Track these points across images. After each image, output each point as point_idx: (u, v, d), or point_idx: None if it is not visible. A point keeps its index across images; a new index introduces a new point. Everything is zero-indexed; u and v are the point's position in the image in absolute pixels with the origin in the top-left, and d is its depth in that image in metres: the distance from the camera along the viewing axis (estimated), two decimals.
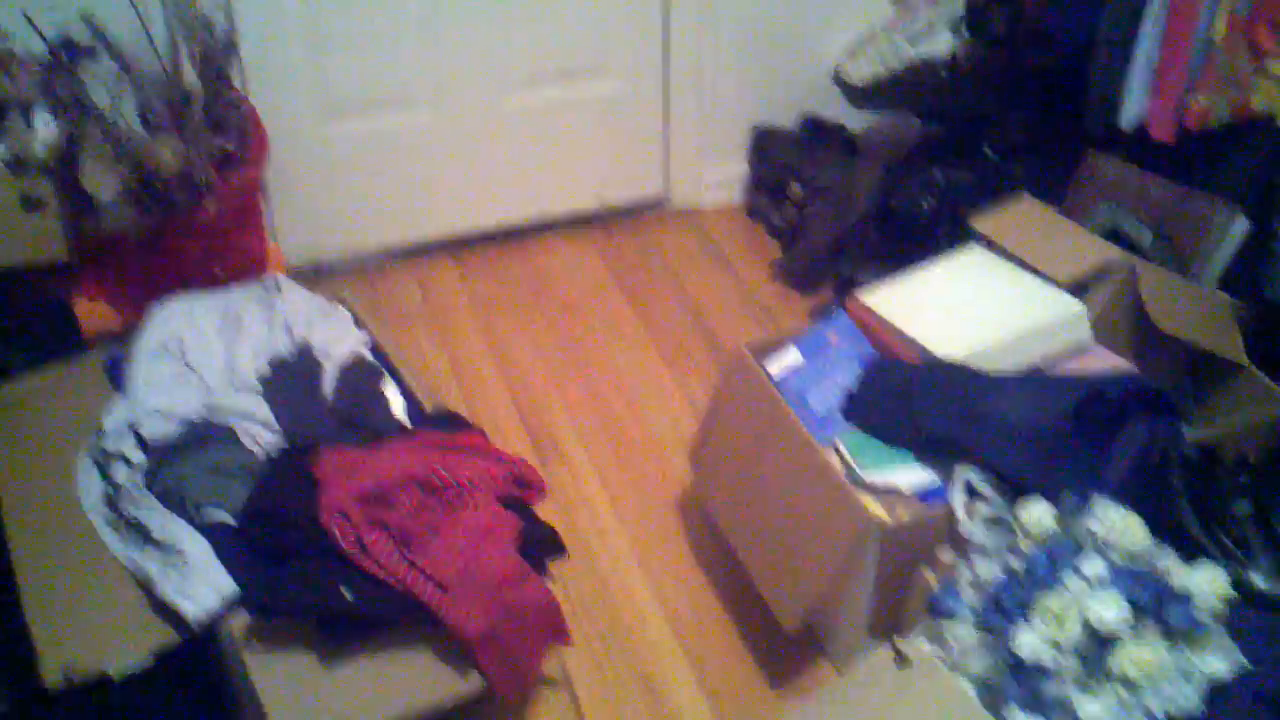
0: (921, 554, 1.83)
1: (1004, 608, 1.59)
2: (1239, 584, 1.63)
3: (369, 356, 2.16)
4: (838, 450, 1.98)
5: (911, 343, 2.02)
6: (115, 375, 2.12)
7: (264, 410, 1.96)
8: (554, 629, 1.84)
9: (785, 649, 2.07)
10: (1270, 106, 2.15)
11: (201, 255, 2.39)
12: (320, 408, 2.00)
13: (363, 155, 2.99)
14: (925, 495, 1.88)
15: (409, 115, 3.00)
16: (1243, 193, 2.26)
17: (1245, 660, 1.51)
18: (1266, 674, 1.54)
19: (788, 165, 3.20)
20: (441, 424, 2.03)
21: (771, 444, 2.01)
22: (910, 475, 1.90)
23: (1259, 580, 1.72)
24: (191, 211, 2.31)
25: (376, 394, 2.06)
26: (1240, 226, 2.25)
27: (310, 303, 2.24)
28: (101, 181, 2.22)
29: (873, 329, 2.11)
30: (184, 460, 1.86)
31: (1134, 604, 1.52)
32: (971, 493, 1.82)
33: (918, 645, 1.63)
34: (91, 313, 2.35)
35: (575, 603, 2.16)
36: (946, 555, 1.82)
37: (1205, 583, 1.55)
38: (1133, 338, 2.11)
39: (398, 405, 2.07)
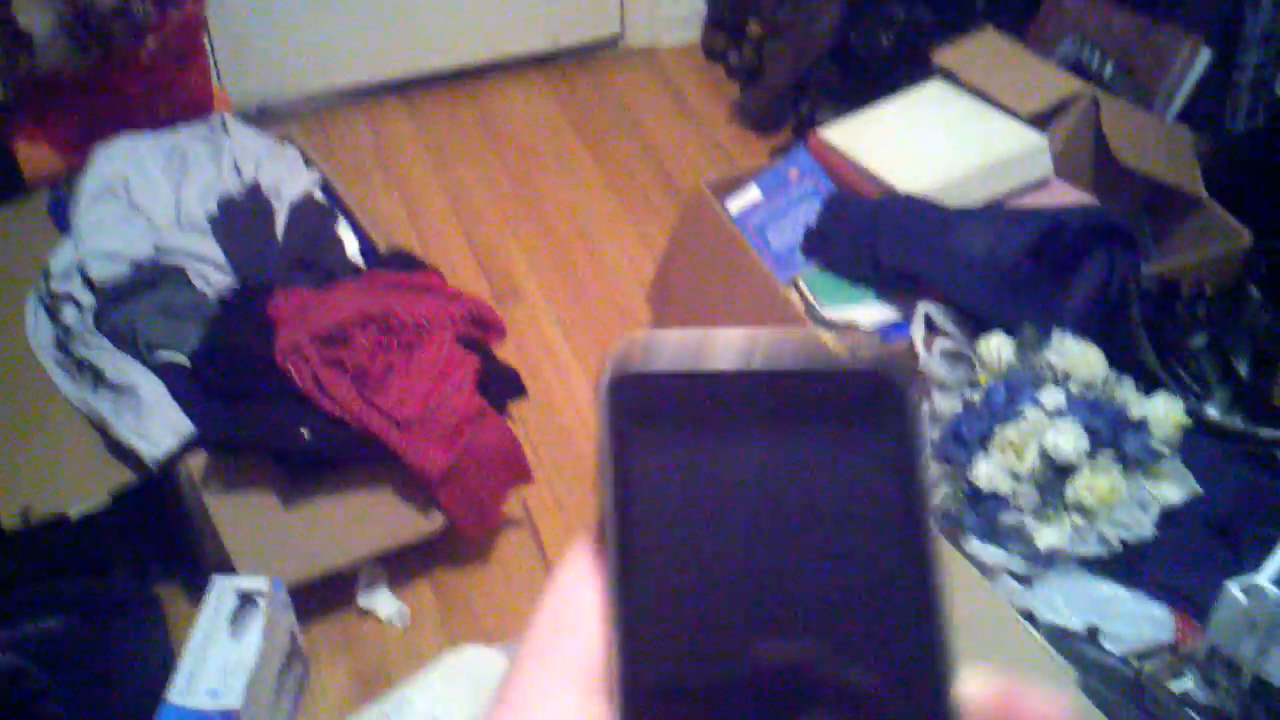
0: None
1: (963, 439, 1.60)
2: (1194, 415, 1.65)
3: (321, 196, 2.11)
4: (798, 287, 1.97)
5: (873, 177, 2.00)
6: (59, 217, 2.07)
7: (214, 250, 1.92)
8: (515, 468, 1.85)
9: None
10: None
11: (143, 95, 2.32)
12: (272, 248, 1.96)
13: None
14: (885, 331, 1.88)
15: None
16: (1206, 24, 2.23)
17: (1198, 487, 1.53)
18: (1217, 501, 1.57)
19: (746, 3, 3.13)
20: (397, 264, 2.01)
21: (731, 282, 1.99)
22: (870, 311, 1.90)
23: (1213, 411, 1.74)
24: (131, 49, 2.23)
25: (329, 234, 2.02)
26: (1202, 58, 2.23)
27: (258, 142, 2.18)
28: (36, 17, 2.13)
29: (834, 165, 2.08)
30: (134, 301, 1.82)
31: (1091, 434, 1.53)
32: (931, 327, 1.82)
33: None
34: (32, 155, 2.28)
35: (536, 442, 2.17)
36: None
37: (1161, 412, 1.57)
38: (1094, 171, 2.10)
39: (351, 246, 2.04)
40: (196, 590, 1.66)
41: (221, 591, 1.58)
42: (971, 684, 0.31)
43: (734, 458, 0.33)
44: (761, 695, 0.31)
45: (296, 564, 1.69)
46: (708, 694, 0.31)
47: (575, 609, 0.32)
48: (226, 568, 1.65)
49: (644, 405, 0.33)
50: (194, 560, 1.78)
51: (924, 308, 1.82)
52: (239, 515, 1.68)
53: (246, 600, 1.58)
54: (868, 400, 0.33)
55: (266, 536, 1.68)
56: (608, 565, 0.32)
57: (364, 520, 1.73)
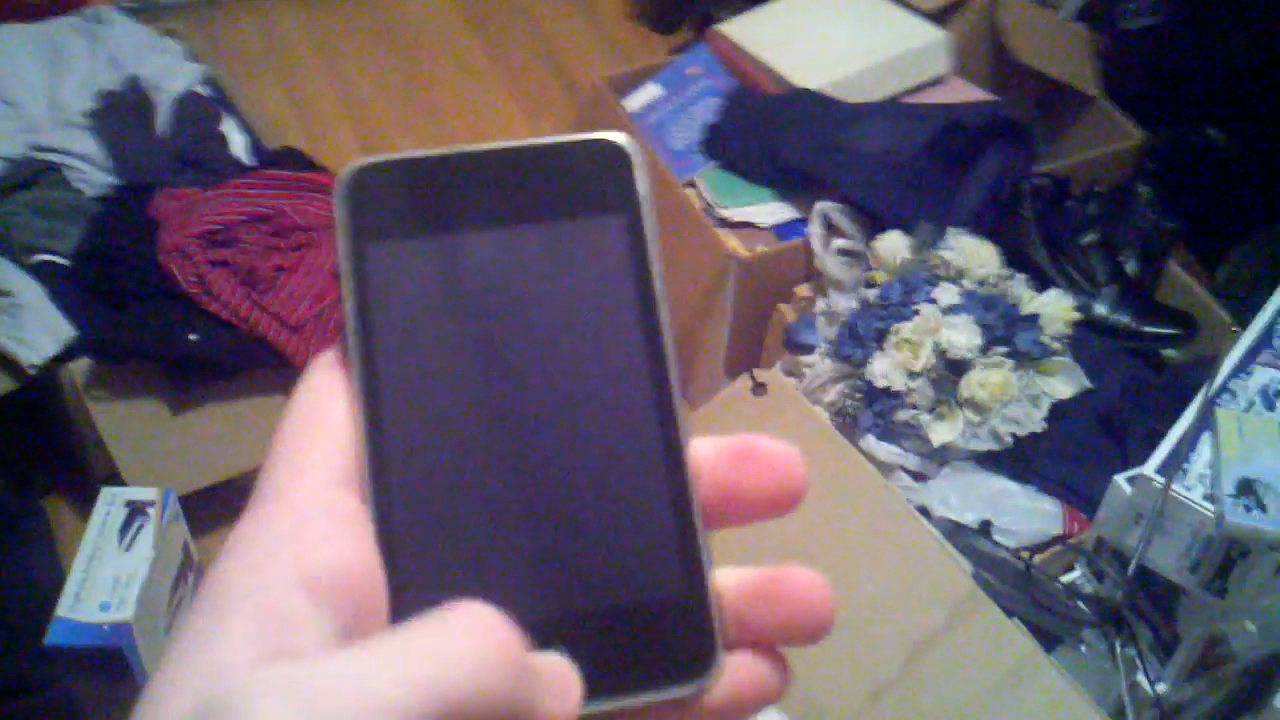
0: (778, 289, 1.84)
1: (858, 336, 1.61)
2: (1083, 311, 1.67)
3: (205, 92, 2.04)
4: (696, 186, 1.95)
5: (772, 73, 1.98)
6: None
7: (93, 147, 1.85)
8: None
9: None
10: None
11: None
12: (154, 145, 1.89)
13: None
14: (784, 230, 1.87)
15: None
16: None
17: (1088, 382, 1.56)
18: (1105, 396, 1.60)
19: None
20: (286, 163, 1.95)
21: None
22: (768, 211, 1.89)
23: (1102, 308, 1.76)
24: None
25: (214, 131, 1.96)
26: None
27: (139, 36, 2.10)
28: None
29: (733, 61, 2.06)
30: (8, 201, 1.75)
31: (984, 330, 1.55)
32: (829, 227, 1.82)
33: (776, 375, 1.65)
34: None
35: None
36: (803, 290, 1.83)
37: (1052, 309, 1.59)
38: (991, 69, 2.10)
39: (238, 143, 1.98)
40: (84, 502, 1.61)
41: (110, 503, 1.54)
42: (731, 572, 0.32)
43: (471, 242, 0.33)
44: (507, 504, 0.32)
45: (188, 473, 1.66)
46: (456, 495, 0.31)
47: (323, 412, 0.32)
48: (114, 478, 1.61)
49: (381, 198, 0.33)
50: (80, 471, 1.74)
51: (821, 206, 1.81)
52: (126, 423, 1.64)
53: (136, 511, 1.54)
54: (597, 168, 0.33)
55: (155, 445, 1.65)
56: (353, 366, 0.32)
57: (256, 427, 1.69)
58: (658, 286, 0.33)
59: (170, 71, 2.02)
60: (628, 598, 0.32)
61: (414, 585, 0.31)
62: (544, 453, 0.32)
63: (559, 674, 0.30)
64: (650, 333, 0.33)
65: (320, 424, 0.32)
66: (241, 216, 1.72)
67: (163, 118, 1.94)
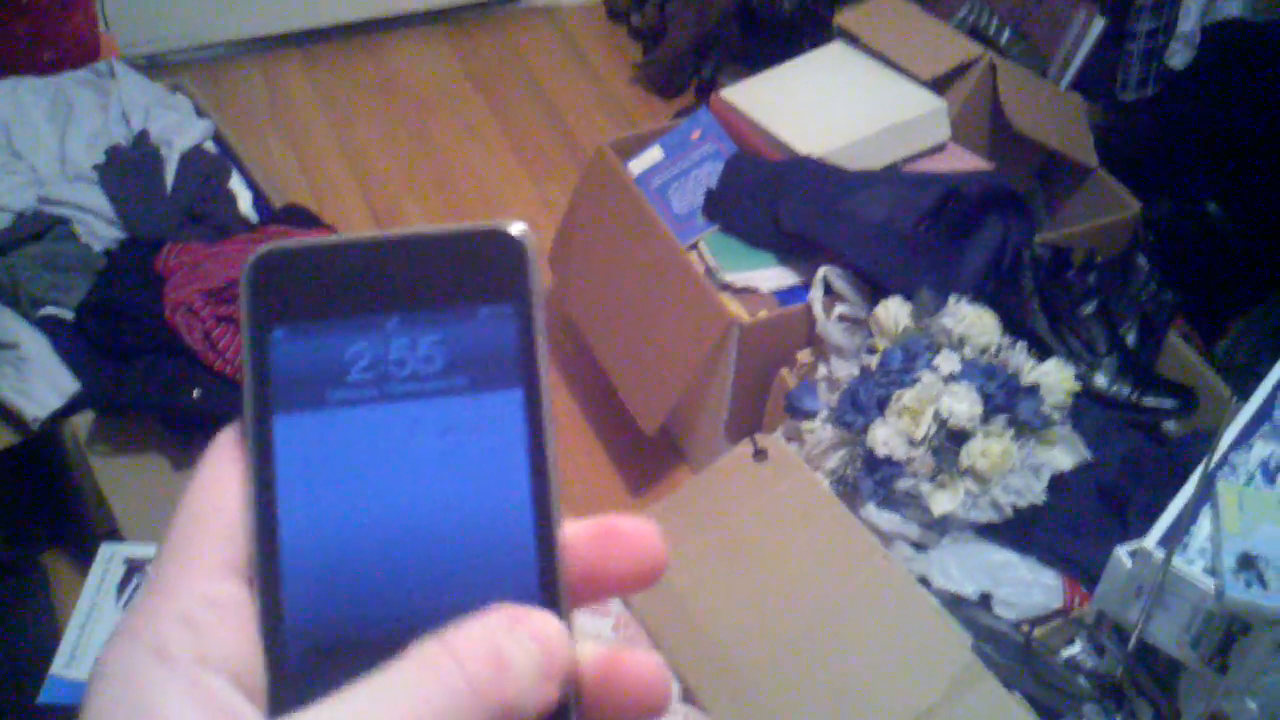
0: (780, 354, 1.85)
1: (859, 404, 1.61)
2: (1083, 381, 1.68)
3: (213, 148, 2.05)
4: (698, 250, 1.97)
5: (774, 139, 2.00)
6: None
7: (101, 201, 1.86)
8: None
9: (644, 455, 2.08)
10: None
11: (27, 39, 2.23)
12: (161, 199, 1.90)
13: None
14: (785, 296, 1.89)
15: None
16: None
17: (1088, 454, 1.56)
18: (1105, 467, 1.61)
19: None
20: (291, 220, 1.96)
21: (632, 244, 1.98)
22: (770, 275, 1.90)
23: (1102, 379, 1.77)
24: None
25: (221, 187, 1.97)
26: (1096, 26, 2.26)
27: (148, 91, 2.11)
28: None
29: (735, 126, 2.08)
30: (16, 254, 1.76)
31: (985, 399, 1.55)
32: (830, 292, 1.83)
33: (777, 441, 1.66)
34: None
35: None
36: (805, 355, 1.84)
37: (1053, 379, 1.59)
38: (990, 136, 2.12)
39: (244, 200, 1.99)
40: (83, 558, 1.61)
41: (108, 559, 1.54)
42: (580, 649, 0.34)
43: (366, 328, 0.34)
44: (389, 587, 0.33)
45: None
46: (339, 589, 0.32)
47: (216, 496, 0.32)
48: (114, 534, 1.61)
49: (283, 283, 0.34)
50: (80, 527, 1.73)
51: (823, 272, 1.82)
52: (127, 479, 1.64)
53: (135, 568, 1.54)
54: (489, 256, 0.35)
55: (156, 500, 1.64)
56: (247, 450, 0.33)
57: None
58: (542, 377, 0.34)
59: (179, 127, 2.04)
60: None
61: (292, 677, 0.31)
62: (425, 548, 0.33)
63: (545, 652, 0.31)
64: (533, 427, 0.34)
65: (211, 510, 0.32)
66: None
67: (171, 173, 1.95)
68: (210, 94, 2.64)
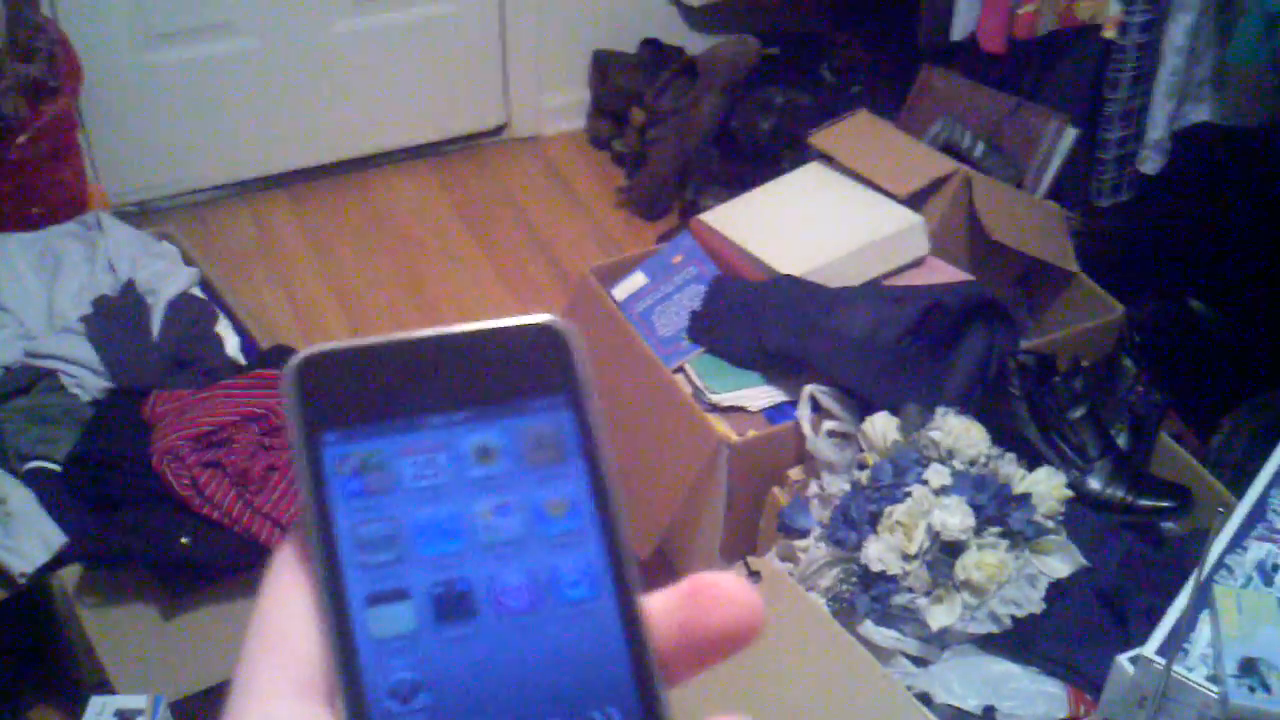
0: (771, 472, 1.84)
1: (852, 520, 1.61)
2: (1075, 487, 1.67)
3: (199, 294, 2.07)
4: (685, 372, 1.97)
5: (754, 260, 2.02)
6: None
7: (87, 352, 1.87)
8: None
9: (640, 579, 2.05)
10: (1094, 13, 2.19)
11: (15, 194, 2.27)
12: (148, 348, 1.91)
13: (186, 86, 2.86)
14: (773, 414, 1.89)
15: (233, 42, 2.87)
16: (1070, 104, 2.31)
17: (1084, 560, 1.55)
18: (1103, 572, 1.59)
19: (629, 90, 3.16)
20: (278, 361, 1.97)
21: (619, 369, 1.99)
22: (757, 395, 1.91)
23: (1094, 483, 1.77)
24: (1, 147, 2.18)
25: (208, 332, 1.98)
26: (1069, 136, 2.30)
27: (135, 240, 2.14)
28: None
29: (716, 248, 2.10)
30: (2, 408, 1.76)
31: (977, 510, 1.55)
32: (817, 409, 1.83)
33: (769, 563, 1.64)
34: None
35: None
36: (795, 473, 1.84)
37: (1044, 487, 1.59)
38: (968, 249, 2.14)
39: (231, 343, 2.00)
40: (72, 713, 1.59)
41: (99, 712, 1.52)
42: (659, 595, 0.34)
43: (419, 427, 0.33)
44: (480, 690, 0.32)
45: (180, 679, 1.63)
46: (426, 696, 0.32)
47: (285, 615, 0.32)
48: (104, 687, 1.59)
49: (328, 387, 0.33)
50: (69, 680, 1.71)
51: (809, 389, 1.83)
52: (116, 629, 1.62)
53: None
54: (537, 351, 0.34)
55: (146, 651, 1.63)
56: (314, 564, 0.32)
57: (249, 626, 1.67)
58: (605, 465, 0.34)
59: (165, 275, 2.06)
60: None
61: None
62: (506, 632, 0.32)
63: None
64: (603, 510, 0.34)
65: (278, 633, 0.32)
66: (233, 417, 1.73)
67: (157, 321, 1.97)
68: (199, 237, 2.67)
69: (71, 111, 2.39)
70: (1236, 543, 1.41)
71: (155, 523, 1.63)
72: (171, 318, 1.98)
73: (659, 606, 0.34)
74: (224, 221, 2.96)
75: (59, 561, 1.63)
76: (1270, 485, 1.49)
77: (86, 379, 1.84)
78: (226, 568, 1.65)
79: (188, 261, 2.18)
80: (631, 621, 0.33)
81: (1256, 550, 1.41)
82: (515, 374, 0.34)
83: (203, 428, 1.70)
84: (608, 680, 0.33)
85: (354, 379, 0.33)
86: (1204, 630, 1.29)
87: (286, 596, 0.32)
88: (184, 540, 1.62)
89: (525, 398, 0.34)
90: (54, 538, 1.63)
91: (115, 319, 1.94)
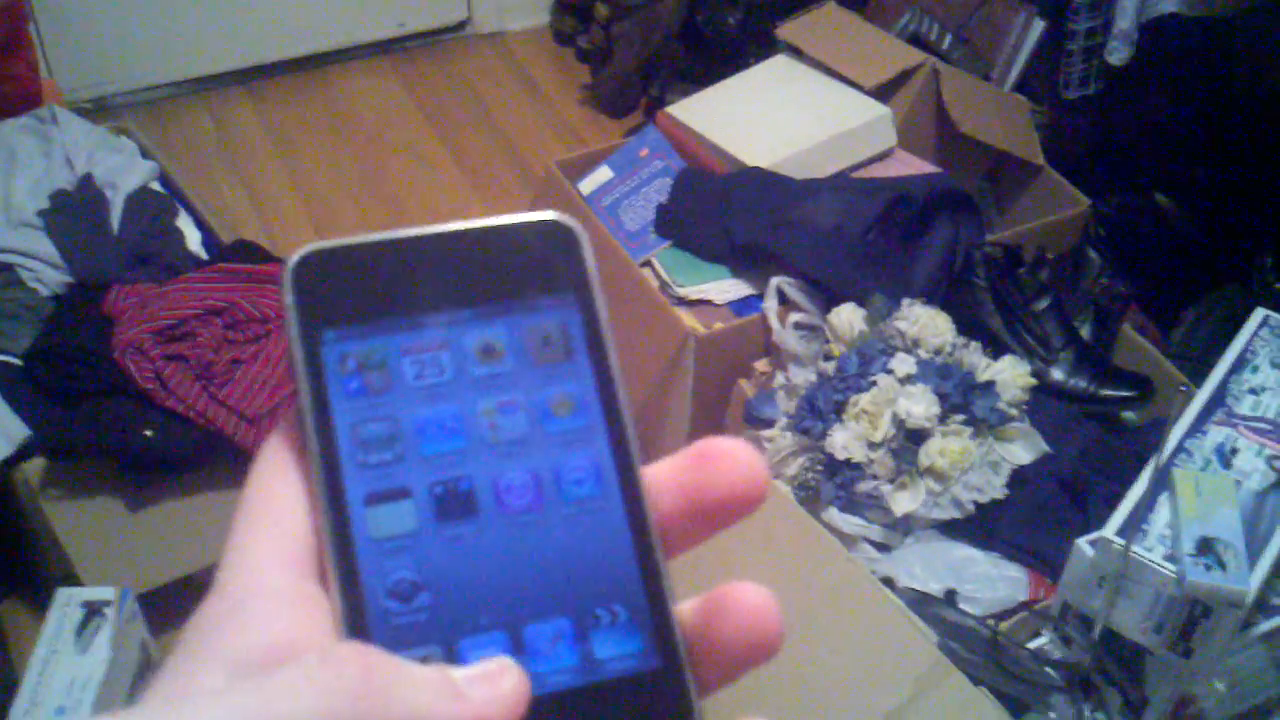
0: (737, 364, 1.85)
1: (818, 409, 1.61)
2: (1039, 376, 1.68)
3: (159, 188, 2.04)
4: (652, 266, 1.96)
5: (722, 153, 2.00)
6: None
7: (46, 246, 1.84)
8: None
9: None
10: None
11: None
12: (108, 242, 1.89)
13: None
14: (740, 306, 1.88)
15: None
16: None
17: (1047, 447, 1.56)
18: (1065, 460, 1.61)
19: None
20: (241, 256, 1.95)
21: None
22: (724, 287, 1.90)
23: (1059, 373, 1.78)
24: None
25: (169, 226, 1.95)
26: (1036, 29, 2.28)
27: (92, 135, 2.10)
28: None
29: (683, 142, 2.08)
30: None
31: (942, 398, 1.55)
32: (785, 301, 1.83)
33: None
34: None
35: None
36: (762, 365, 1.84)
37: (1008, 375, 1.60)
38: (936, 141, 2.13)
39: (193, 238, 1.97)
40: (39, 605, 1.59)
41: (65, 604, 1.52)
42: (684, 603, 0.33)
43: (424, 325, 0.33)
44: (482, 589, 0.32)
45: (146, 571, 1.64)
46: (421, 577, 0.32)
47: (275, 495, 0.32)
48: (71, 579, 1.59)
49: (330, 283, 0.33)
50: (35, 572, 1.71)
51: (776, 281, 1.82)
52: (82, 522, 1.62)
53: (93, 612, 1.52)
54: (545, 248, 0.34)
55: (112, 544, 1.62)
56: (311, 463, 0.32)
57: (215, 522, 1.67)
58: (612, 364, 0.34)
59: (124, 169, 2.02)
60: (604, 675, 0.32)
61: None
62: (509, 531, 0.32)
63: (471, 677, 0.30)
64: (609, 409, 0.33)
65: (268, 512, 0.32)
66: (196, 311, 1.72)
67: (117, 215, 1.94)
68: (156, 135, 2.63)
69: (21, 4, 2.32)
70: (1196, 428, 1.43)
71: (118, 415, 1.62)
72: (131, 212, 1.95)
73: (666, 471, 0.34)
74: (182, 118, 2.91)
75: (22, 455, 1.62)
76: (1230, 372, 1.51)
77: (46, 274, 1.82)
78: (191, 460, 1.65)
79: (146, 156, 2.14)
80: (637, 520, 0.33)
81: (1215, 434, 1.42)
82: (521, 272, 0.34)
83: (165, 321, 1.69)
84: (612, 578, 0.33)
85: (355, 276, 0.33)
86: (1162, 513, 1.31)
87: (276, 479, 0.32)
88: (148, 433, 1.61)
89: (531, 295, 0.34)
90: (16, 430, 1.61)
91: (74, 213, 1.90)
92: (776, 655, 0.33)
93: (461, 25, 3.26)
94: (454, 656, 0.31)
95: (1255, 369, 1.51)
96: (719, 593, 0.33)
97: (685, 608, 0.33)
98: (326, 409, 0.32)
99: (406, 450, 0.32)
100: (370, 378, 0.32)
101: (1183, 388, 1.42)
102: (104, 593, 1.52)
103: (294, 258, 0.33)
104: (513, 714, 0.30)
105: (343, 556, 0.31)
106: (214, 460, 1.66)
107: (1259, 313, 1.59)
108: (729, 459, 0.34)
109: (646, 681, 0.32)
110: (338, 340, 0.32)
